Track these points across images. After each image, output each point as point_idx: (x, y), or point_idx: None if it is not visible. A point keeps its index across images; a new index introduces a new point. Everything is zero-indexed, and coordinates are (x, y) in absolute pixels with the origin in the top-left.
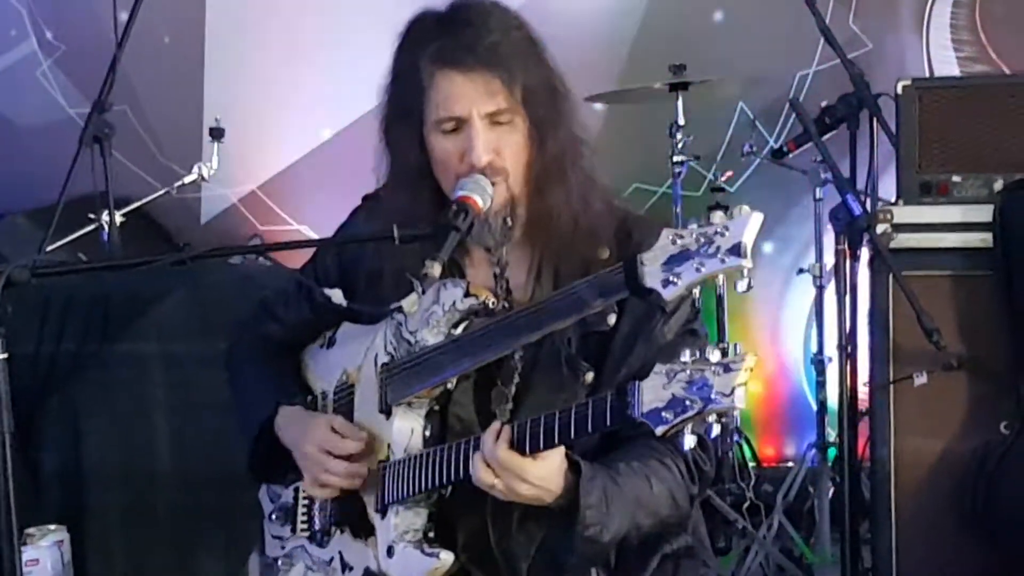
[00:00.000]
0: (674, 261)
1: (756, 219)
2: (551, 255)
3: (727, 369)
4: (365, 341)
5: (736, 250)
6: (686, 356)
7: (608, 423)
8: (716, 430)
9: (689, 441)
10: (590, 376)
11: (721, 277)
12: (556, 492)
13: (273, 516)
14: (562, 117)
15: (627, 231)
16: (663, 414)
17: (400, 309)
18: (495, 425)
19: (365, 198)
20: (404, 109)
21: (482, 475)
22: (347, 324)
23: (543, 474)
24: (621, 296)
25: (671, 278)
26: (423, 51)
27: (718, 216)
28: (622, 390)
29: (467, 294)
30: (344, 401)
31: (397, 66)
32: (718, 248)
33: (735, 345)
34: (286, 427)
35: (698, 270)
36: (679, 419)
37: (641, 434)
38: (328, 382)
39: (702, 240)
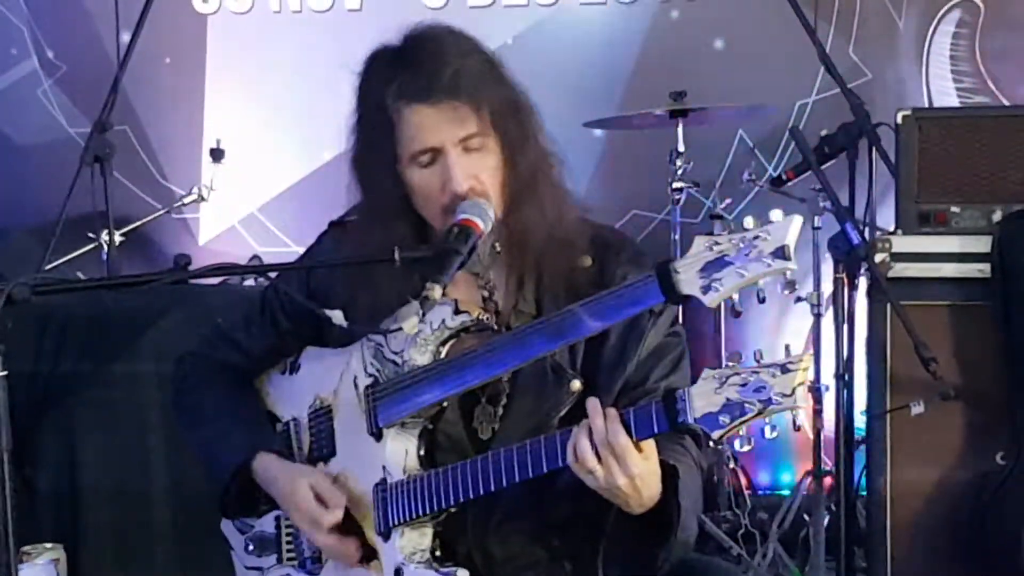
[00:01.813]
0: (712, 267)
1: (797, 222)
2: (530, 268)
3: (785, 370)
4: (337, 364)
5: (781, 253)
6: (728, 360)
7: (656, 429)
8: (768, 433)
9: (740, 444)
10: (576, 384)
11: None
12: (647, 499)
13: (249, 546)
14: (530, 133)
15: (603, 240)
16: (719, 418)
17: (400, 330)
18: (596, 402)
19: (332, 224)
20: (375, 147)
21: (588, 457)
22: (311, 348)
23: (645, 473)
24: (655, 304)
25: (712, 284)
26: (386, 89)
27: (751, 221)
28: (669, 397)
29: (457, 311)
30: (322, 427)
31: (362, 106)
32: (760, 252)
33: (786, 347)
34: (270, 481)
35: (740, 274)
36: (737, 422)
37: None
38: (298, 408)
39: (741, 245)
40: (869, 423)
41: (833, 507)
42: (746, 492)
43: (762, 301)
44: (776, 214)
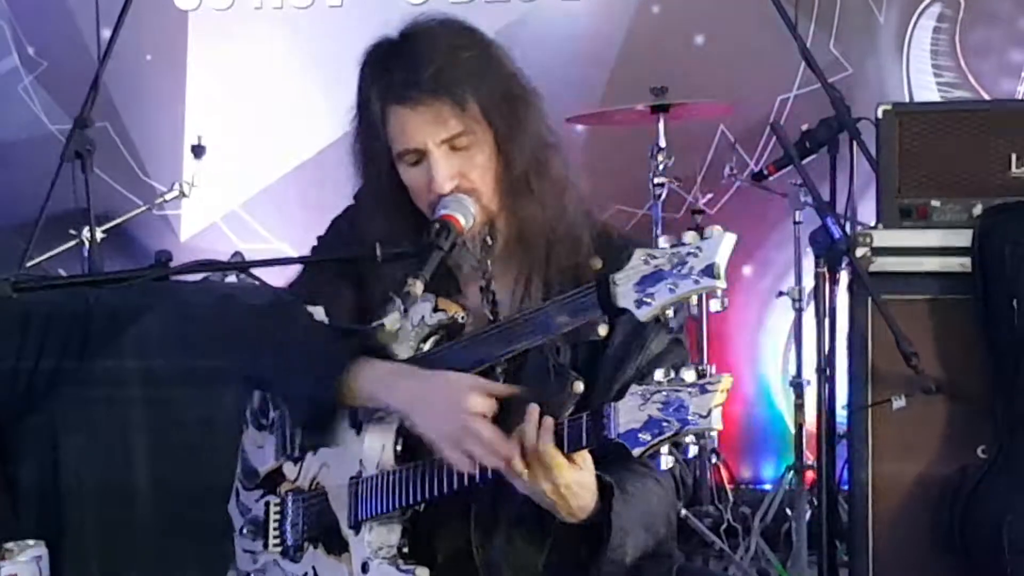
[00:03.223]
0: (647, 281)
1: (729, 240)
2: (537, 265)
3: (703, 390)
4: None
5: (709, 271)
6: (660, 376)
7: (584, 443)
8: (693, 451)
9: (665, 462)
10: (579, 386)
11: (696, 299)
12: (576, 509)
13: (244, 530)
14: (526, 125)
15: (610, 242)
16: (639, 435)
17: (382, 327)
18: (535, 413)
19: (347, 210)
20: (370, 142)
21: (516, 463)
22: None
23: (572, 483)
24: (593, 316)
25: (644, 298)
26: (372, 88)
27: (690, 236)
28: (597, 411)
29: (436, 309)
30: None
31: (358, 100)
32: (691, 268)
33: (711, 366)
34: (390, 387)
35: (672, 290)
36: (656, 440)
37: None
38: None
39: (675, 260)
40: (851, 417)
41: (815, 501)
42: (728, 487)
43: (696, 319)
44: (714, 229)
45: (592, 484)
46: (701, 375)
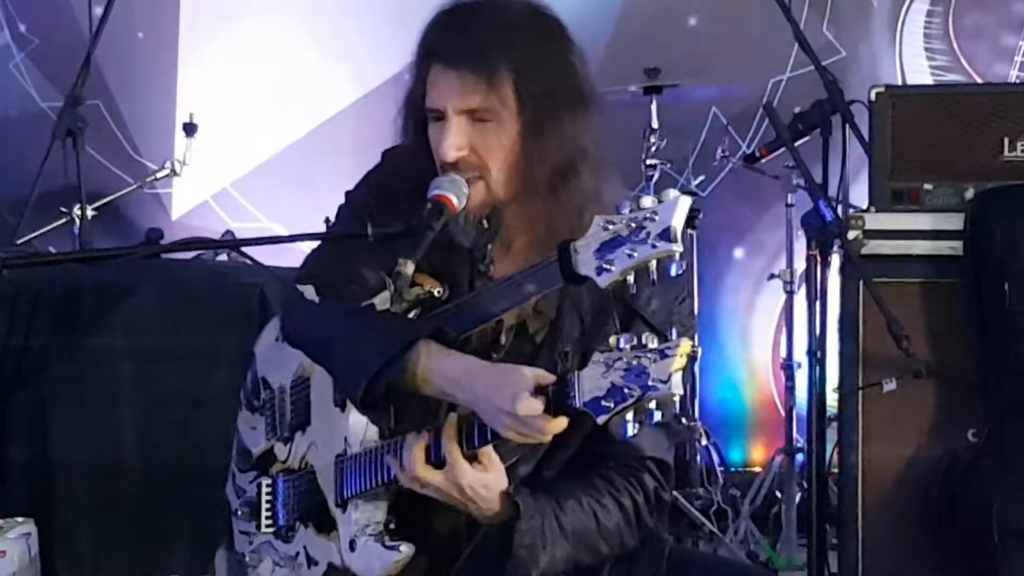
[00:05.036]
0: (606, 248)
1: (684, 203)
2: None
3: (663, 356)
4: None
5: (666, 235)
6: (623, 342)
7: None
8: (657, 416)
9: (631, 429)
10: None
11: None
12: (486, 510)
13: (239, 512)
14: (561, 127)
15: None
16: (603, 403)
17: (372, 307)
18: (452, 417)
19: (385, 153)
20: (413, 90)
21: (418, 468)
22: None
23: (478, 484)
24: (558, 285)
25: (604, 265)
26: (426, 39)
27: (648, 200)
28: (562, 380)
29: (413, 284)
30: (300, 395)
31: (416, 50)
32: (649, 233)
33: (672, 331)
34: (458, 379)
35: (630, 256)
36: (619, 407)
37: (608, 456)
38: (284, 375)
39: (632, 226)
40: (841, 400)
41: (805, 484)
42: (718, 469)
43: (652, 284)
44: (670, 193)
45: (494, 482)
46: (662, 340)
